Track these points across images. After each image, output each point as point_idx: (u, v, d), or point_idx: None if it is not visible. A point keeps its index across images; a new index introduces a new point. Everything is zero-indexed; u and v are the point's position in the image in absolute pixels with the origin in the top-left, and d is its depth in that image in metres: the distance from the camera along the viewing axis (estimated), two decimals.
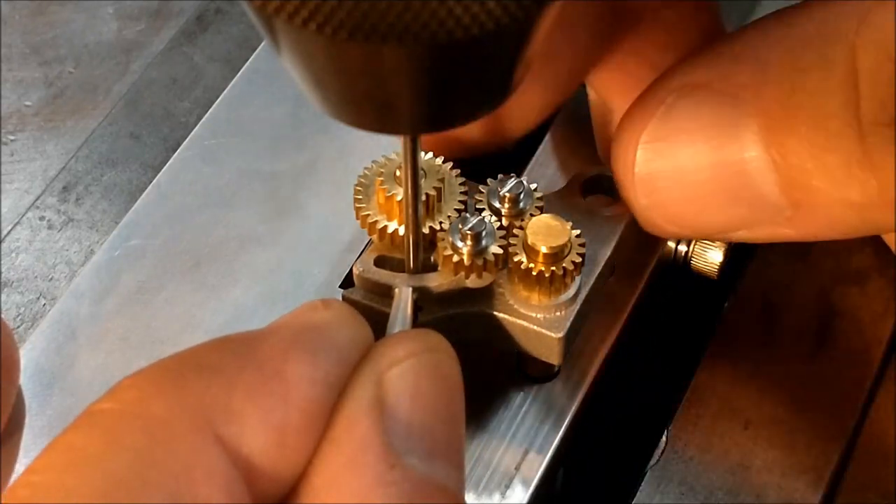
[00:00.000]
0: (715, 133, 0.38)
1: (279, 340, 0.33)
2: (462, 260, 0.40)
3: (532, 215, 0.41)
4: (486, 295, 0.41)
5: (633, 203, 0.41)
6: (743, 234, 0.40)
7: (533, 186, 0.41)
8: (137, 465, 0.30)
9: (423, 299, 0.40)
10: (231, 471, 0.31)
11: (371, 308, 0.41)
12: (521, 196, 0.41)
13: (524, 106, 0.42)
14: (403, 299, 0.39)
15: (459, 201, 0.41)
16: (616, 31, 0.42)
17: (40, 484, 0.30)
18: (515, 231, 0.40)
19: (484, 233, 0.40)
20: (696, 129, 0.39)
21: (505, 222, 0.41)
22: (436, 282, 0.40)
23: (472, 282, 0.40)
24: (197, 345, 0.33)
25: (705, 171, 0.39)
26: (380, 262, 0.40)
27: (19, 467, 0.41)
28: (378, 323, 0.36)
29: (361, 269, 0.40)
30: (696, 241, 0.45)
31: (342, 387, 0.33)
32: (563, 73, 0.42)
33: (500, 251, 0.40)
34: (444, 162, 0.41)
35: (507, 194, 0.41)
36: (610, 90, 0.43)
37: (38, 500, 0.30)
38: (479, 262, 0.40)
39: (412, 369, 0.34)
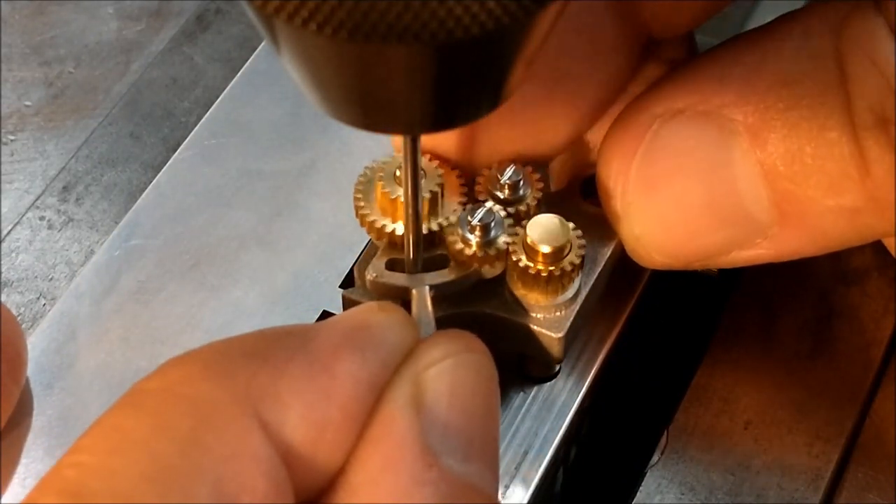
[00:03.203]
0: (705, 154, 0.39)
1: (331, 336, 0.33)
2: (475, 252, 0.40)
3: (536, 197, 0.41)
4: (486, 295, 0.41)
5: (625, 234, 0.41)
6: (725, 260, 0.40)
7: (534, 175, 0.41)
8: (184, 449, 0.30)
9: None
10: (275, 458, 0.31)
11: None
12: (521, 183, 0.41)
13: (554, 137, 0.41)
14: (422, 299, 0.39)
15: (461, 195, 0.41)
16: (635, 60, 0.42)
17: (87, 465, 0.30)
18: (521, 224, 0.40)
19: (493, 223, 0.40)
20: (686, 153, 0.39)
21: (516, 209, 0.41)
22: (450, 277, 0.40)
23: (487, 271, 0.40)
24: (247, 332, 0.34)
25: (698, 195, 0.39)
26: (389, 264, 0.40)
27: (19, 468, 0.41)
28: None
29: (374, 274, 0.40)
30: None
31: (383, 388, 0.33)
32: (591, 104, 0.41)
33: (510, 239, 0.40)
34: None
35: (508, 182, 0.41)
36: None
37: (86, 482, 0.30)
38: (492, 251, 0.40)
39: (449, 370, 0.34)
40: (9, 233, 0.48)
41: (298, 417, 0.32)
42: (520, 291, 0.41)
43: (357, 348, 0.33)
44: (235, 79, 0.51)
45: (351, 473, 0.32)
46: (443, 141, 0.41)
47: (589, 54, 0.40)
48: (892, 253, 0.43)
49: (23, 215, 0.48)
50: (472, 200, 0.41)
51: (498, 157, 0.41)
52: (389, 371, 0.33)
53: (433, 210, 0.40)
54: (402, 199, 0.39)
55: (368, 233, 0.41)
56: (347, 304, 0.42)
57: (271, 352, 0.33)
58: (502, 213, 0.40)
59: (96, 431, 0.31)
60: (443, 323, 0.39)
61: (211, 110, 0.50)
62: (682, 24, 0.41)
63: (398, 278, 0.40)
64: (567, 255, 0.40)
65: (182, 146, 0.49)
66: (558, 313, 0.41)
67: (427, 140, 0.40)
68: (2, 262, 0.47)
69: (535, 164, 0.42)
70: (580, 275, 0.41)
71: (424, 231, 0.40)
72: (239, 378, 0.32)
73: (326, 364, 0.33)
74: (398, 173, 0.40)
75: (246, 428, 0.31)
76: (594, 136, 0.43)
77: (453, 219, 0.40)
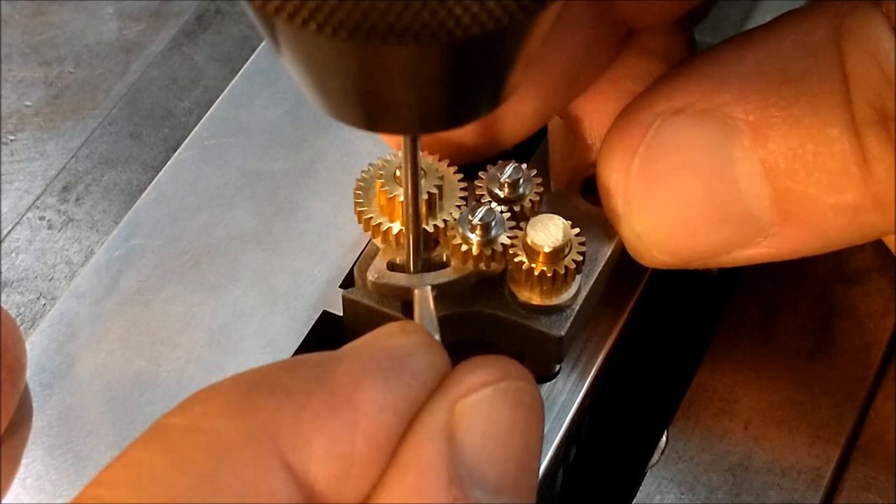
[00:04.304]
0: (706, 152, 0.39)
1: (353, 365, 0.33)
2: (482, 251, 0.40)
3: (538, 194, 0.41)
4: (486, 295, 0.41)
5: (626, 232, 0.41)
6: (726, 259, 0.40)
7: (533, 173, 0.41)
8: (202, 486, 0.30)
9: None
10: (295, 496, 0.31)
11: (372, 309, 0.41)
12: (521, 182, 0.41)
13: (520, 113, 0.41)
14: (425, 299, 0.39)
15: (460, 197, 0.41)
16: (611, 45, 0.42)
17: (105, 498, 0.30)
18: (520, 224, 0.40)
19: (493, 222, 0.40)
20: (687, 151, 0.39)
21: (517, 208, 0.41)
22: (450, 276, 0.40)
23: (488, 269, 0.40)
24: (270, 364, 0.33)
25: (699, 193, 0.39)
26: (389, 265, 0.40)
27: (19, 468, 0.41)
28: (379, 324, 0.36)
29: (376, 275, 0.40)
30: None
31: (415, 414, 0.33)
32: (558, 81, 0.41)
33: (512, 237, 0.40)
34: (441, 161, 0.41)
35: (507, 180, 0.41)
36: (589, 118, 0.43)
37: None
38: (496, 249, 0.40)
39: (488, 398, 0.33)
40: (9, 233, 0.48)
41: (322, 453, 0.31)
42: (520, 291, 0.41)
43: (380, 376, 0.32)
44: (235, 79, 0.51)
45: (375, 500, 0.32)
46: None
47: (557, 33, 0.40)
48: (893, 251, 0.43)
49: (23, 215, 0.48)
50: (472, 199, 0.41)
51: (459, 133, 0.41)
52: (418, 395, 0.33)
53: (433, 209, 0.40)
54: (401, 198, 0.39)
55: (364, 230, 0.41)
56: (347, 304, 0.42)
57: (294, 385, 0.32)
58: (505, 214, 0.40)
59: (117, 465, 0.31)
60: (443, 323, 0.39)
61: (211, 110, 0.50)
62: (655, 16, 0.41)
63: (399, 279, 0.40)
64: (567, 255, 0.40)
65: (182, 146, 0.49)
66: (558, 313, 0.41)
67: None
68: (2, 262, 0.47)
69: (501, 146, 0.42)
70: (580, 274, 0.41)
71: (424, 231, 0.40)
72: (260, 415, 0.32)
73: (348, 395, 0.32)
74: (398, 173, 0.40)
75: (265, 465, 0.31)
76: (594, 135, 0.43)
77: (453, 218, 0.40)
